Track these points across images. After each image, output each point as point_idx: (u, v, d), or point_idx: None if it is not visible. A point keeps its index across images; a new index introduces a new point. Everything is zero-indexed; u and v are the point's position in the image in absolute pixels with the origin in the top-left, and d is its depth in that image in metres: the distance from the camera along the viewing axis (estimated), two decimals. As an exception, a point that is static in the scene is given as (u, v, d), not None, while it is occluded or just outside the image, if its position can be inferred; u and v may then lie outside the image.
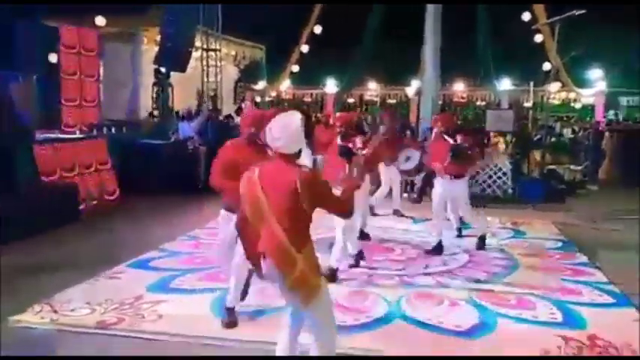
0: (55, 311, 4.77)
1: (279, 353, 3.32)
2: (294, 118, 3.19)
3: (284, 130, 3.11)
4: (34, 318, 4.64)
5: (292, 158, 3.13)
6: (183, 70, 13.63)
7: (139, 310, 4.83)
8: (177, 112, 14.99)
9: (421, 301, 5.17)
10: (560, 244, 7.50)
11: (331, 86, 22.92)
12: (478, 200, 9.35)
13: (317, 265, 3.16)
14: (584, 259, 6.72)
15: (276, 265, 3.04)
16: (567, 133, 19.04)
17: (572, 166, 14.02)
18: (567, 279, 5.93)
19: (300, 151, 3.18)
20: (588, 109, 23.24)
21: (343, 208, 3.30)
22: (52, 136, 9.85)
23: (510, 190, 11.26)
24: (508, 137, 13.36)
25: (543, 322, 4.73)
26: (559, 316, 4.86)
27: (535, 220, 8.97)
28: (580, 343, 4.29)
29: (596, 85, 21.55)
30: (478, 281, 5.82)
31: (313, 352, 3.20)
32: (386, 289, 5.50)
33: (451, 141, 6.82)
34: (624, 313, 4.97)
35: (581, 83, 21.61)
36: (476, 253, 6.90)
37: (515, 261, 6.64)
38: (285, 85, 23.70)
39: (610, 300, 5.32)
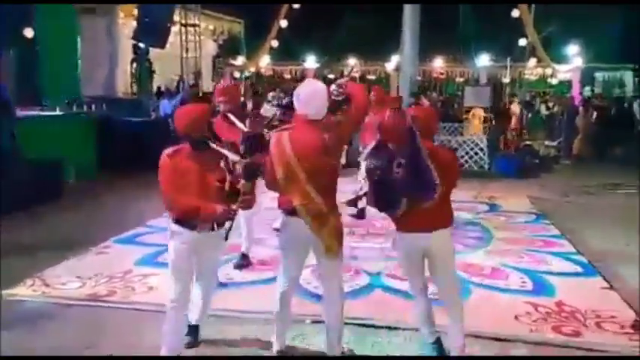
0: (47, 285, 4.93)
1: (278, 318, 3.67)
2: (319, 85, 3.49)
3: (313, 98, 3.36)
4: (27, 291, 4.80)
5: (319, 123, 3.40)
6: (162, 46, 13.59)
7: (129, 283, 5.01)
8: (158, 89, 14.93)
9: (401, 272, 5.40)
10: (533, 217, 7.82)
11: (311, 62, 22.87)
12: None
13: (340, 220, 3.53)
14: (555, 231, 7.04)
15: (310, 219, 3.34)
16: (544, 109, 19.39)
17: (547, 142, 14.40)
18: (538, 250, 6.23)
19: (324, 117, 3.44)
20: (565, 85, 23.60)
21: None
22: (34, 113, 9.83)
23: (486, 166, 11.56)
24: (484, 113, 13.67)
25: (514, 290, 5.02)
26: (529, 285, 5.15)
27: (510, 194, 9.27)
28: (548, 309, 4.58)
29: (572, 61, 21.87)
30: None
31: (328, 301, 3.59)
32: (367, 261, 5.73)
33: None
34: (590, 282, 5.28)
35: (558, 59, 21.90)
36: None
37: (490, 233, 6.93)
38: (265, 61, 23.58)
39: (578, 269, 5.63)
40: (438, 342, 3.81)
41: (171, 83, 15.90)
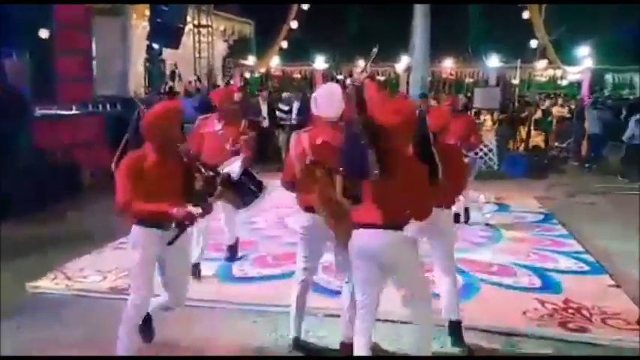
0: (69, 278, 5.11)
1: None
2: (335, 88, 3.62)
3: (330, 100, 3.49)
4: (49, 284, 4.98)
5: (337, 124, 3.52)
6: (176, 46, 13.75)
7: (147, 278, 5.15)
8: (170, 88, 15.09)
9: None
10: (541, 217, 7.92)
11: (320, 63, 22.99)
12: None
13: None
14: (563, 231, 7.14)
15: (328, 217, 3.42)
16: (566, 111, 19.17)
17: (556, 143, 14.46)
18: (546, 249, 6.34)
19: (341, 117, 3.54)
20: (574, 87, 23.59)
21: None
22: (51, 112, 10.02)
23: (495, 166, 11.66)
24: (495, 115, 13.72)
25: (523, 288, 5.13)
26: (537, 282, 5.27)
27: (518, 194, 9.36)
28: (555, 305, 4.70)
29: (582, 63, 21.87)
30: (464, 251, 6.19)
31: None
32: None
33: None
34: (597, 279, 5.39)
35: (568, 60, 21.91)
36: (462, 226, 7.26)
37: (499, 233, 7.04)
38: (275, 62, 23.73)
39: (585, 267, 5.74)
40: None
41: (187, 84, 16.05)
